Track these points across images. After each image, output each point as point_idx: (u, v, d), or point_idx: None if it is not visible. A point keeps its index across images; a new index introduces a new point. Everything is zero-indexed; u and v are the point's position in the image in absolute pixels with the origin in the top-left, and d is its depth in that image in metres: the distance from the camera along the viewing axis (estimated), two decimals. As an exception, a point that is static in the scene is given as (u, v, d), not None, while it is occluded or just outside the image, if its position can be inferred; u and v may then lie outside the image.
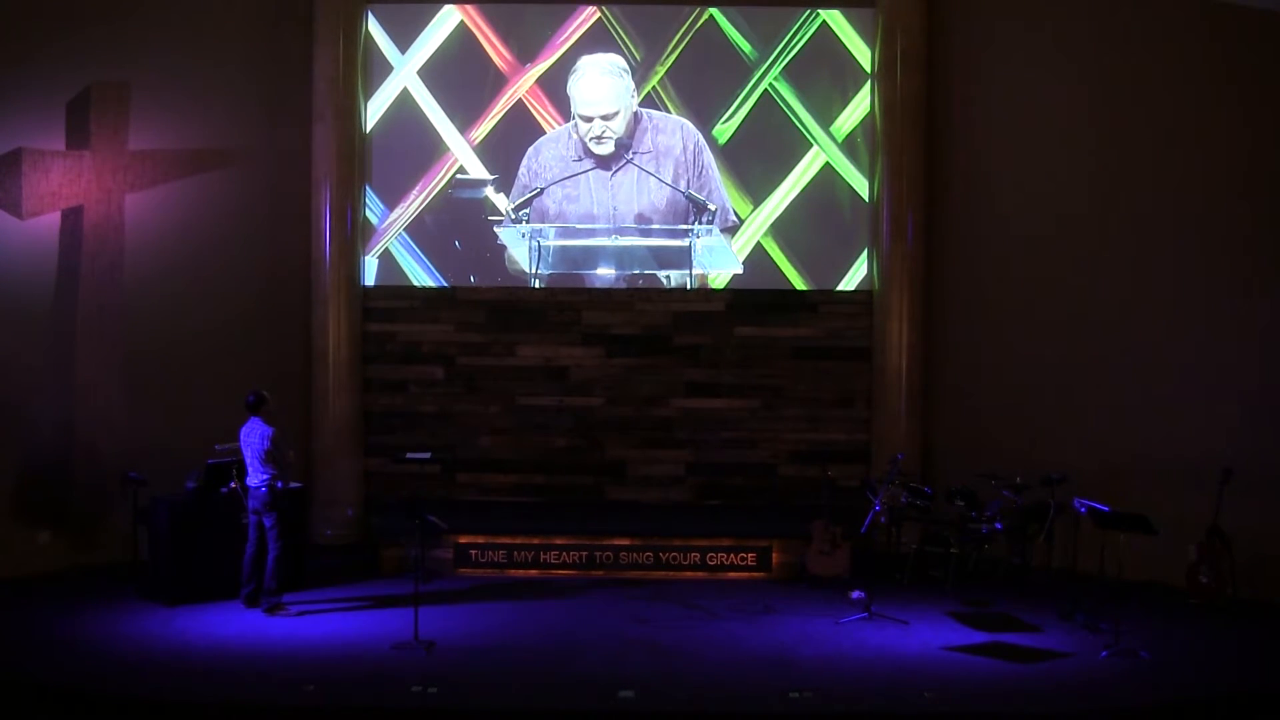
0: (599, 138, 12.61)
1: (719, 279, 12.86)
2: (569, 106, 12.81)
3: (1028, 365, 12.05)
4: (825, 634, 9.66)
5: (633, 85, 12.69)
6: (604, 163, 12.68)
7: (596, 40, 12.83)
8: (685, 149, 12.68)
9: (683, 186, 12.59)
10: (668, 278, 12.73)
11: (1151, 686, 8.53)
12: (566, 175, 12.65)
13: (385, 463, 12.71)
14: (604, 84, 12.64)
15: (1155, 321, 11.34)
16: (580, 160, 12.68)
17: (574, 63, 12.78)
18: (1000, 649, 9.27)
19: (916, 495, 11.30)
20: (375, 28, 12.88)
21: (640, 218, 12.66)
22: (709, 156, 12.72)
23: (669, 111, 12.82)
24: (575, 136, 12.74)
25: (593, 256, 12.73)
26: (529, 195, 12.71)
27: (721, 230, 12.64)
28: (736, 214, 12.79)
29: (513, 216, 12.66)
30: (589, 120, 12.61)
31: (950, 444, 12.50)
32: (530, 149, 12.78)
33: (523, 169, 12.79)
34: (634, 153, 12.63)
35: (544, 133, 12.85)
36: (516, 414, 12.92)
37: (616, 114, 12.60)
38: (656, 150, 12.70)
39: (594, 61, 12.69)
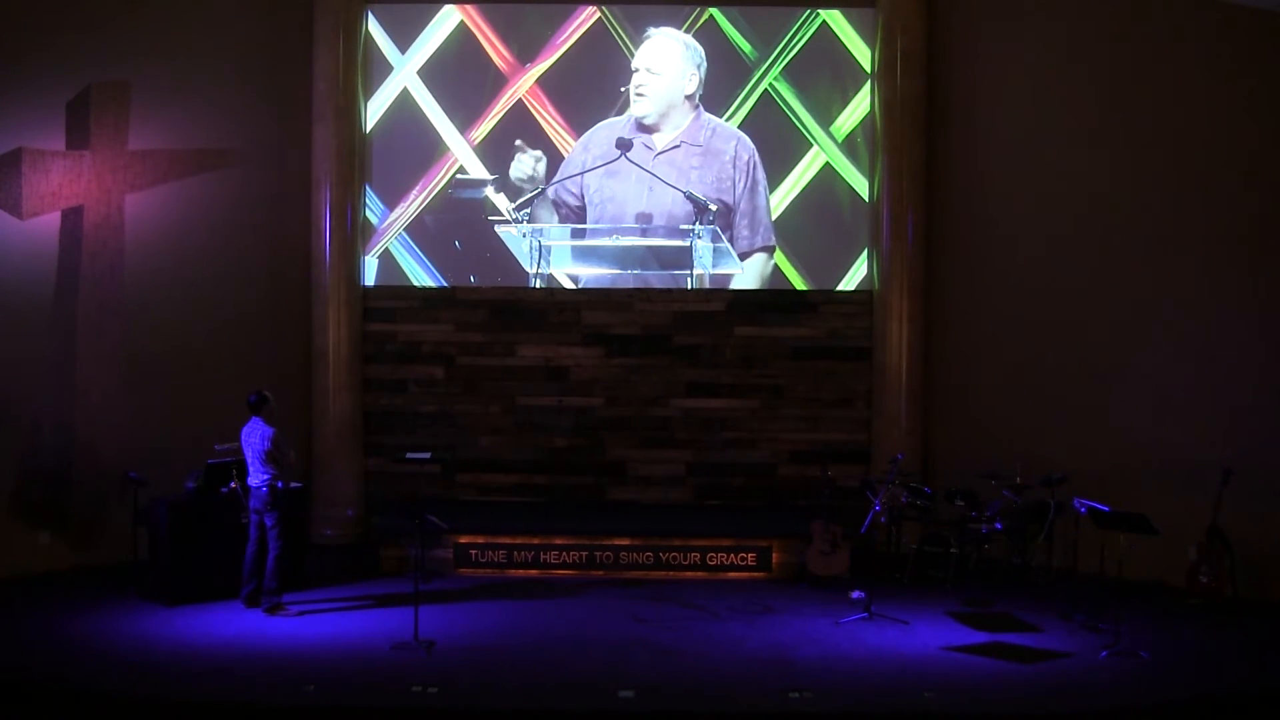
0: (638, 89, 12.66)
1: (743, 279, 12.82)
2: (569, 106, 12.82)
3: (1028, 365, 12.05)
4: (825, 634, 9.66)
5: (694, 70, 12.69)
6: (646, 131, 12.67)
7: (596, 40, 12.84)
8: (737, 158, 12.68)
9: (724, 193, 12.61)
10: (694, 278, 12.75)
11: (1151, 686, 8.53)
12: (604, 162, 12.68)
13: (385, 463, 12.71)
14: (665, 45, 12.76)
15: (1156, 321, 11.33)
16: (623, 141, 12.71)
17: (574, 63, 12.82)
18: (1000, 649, 9.27)
19: (916, 495, 11.31)
20: (375, 28, 12.89)
21: (640, 215, 12.65)
22: (762, 175, 12.72)
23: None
24: (627, 119, 12.76)
25: (593, 256, 12.76)
26: (529, 195, 12.73)
27: (761, 250, 12.70)
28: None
29: (514, 216, 12.69)
30: (637, 71, 12.68)
31: (950, 444, 12.50)
32: (591, 129, 12.78)
33: (575, 148, 12.79)
34: (682, 140, 12.65)
35: (544, 133, 12.85)
36: (516, 414, 12.93)
37: (660, 75, 12.65)
38: (707, 148, 12.71)
39: (672, 30, 12.78)
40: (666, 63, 12.71)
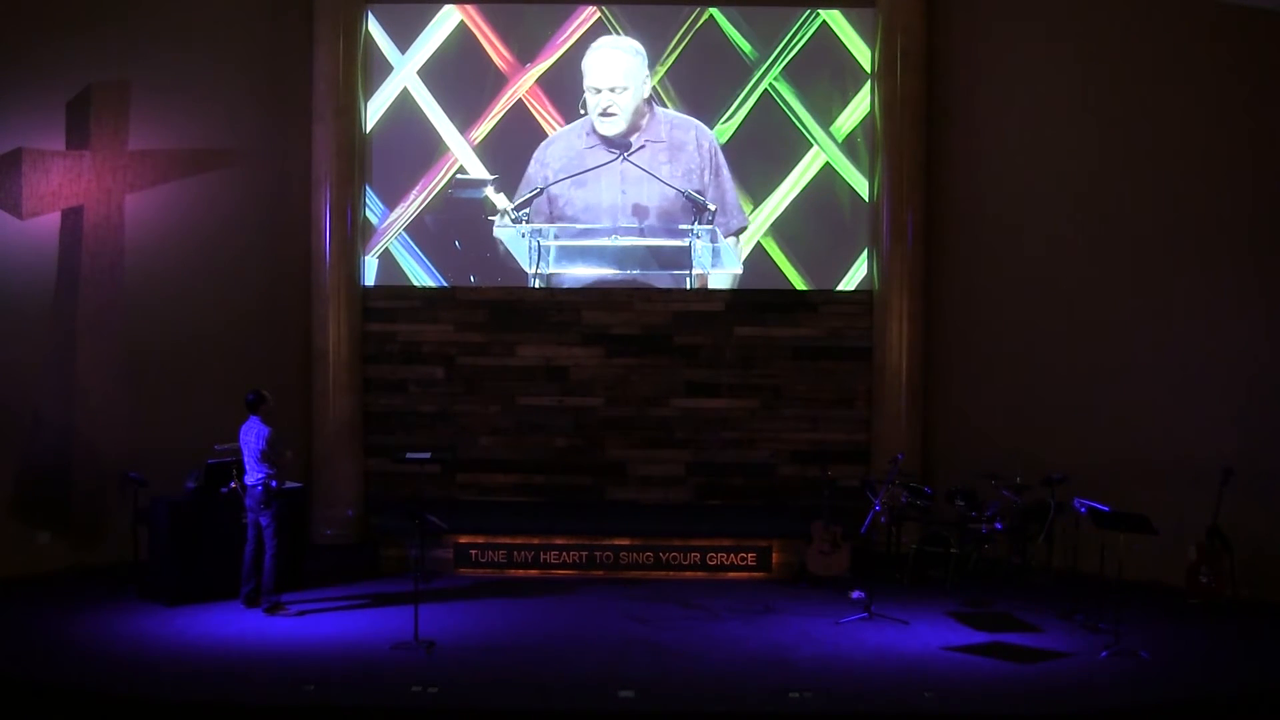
0: (605, 110, 12.64)
1: (720, 277, 12.84)
2: (569, 106, 12.83)
3: (1028, 365, 12.05)
4: (825, 634, 9.65)
5: (647, 72, 12.71)
6: (612, 145, 12.66)
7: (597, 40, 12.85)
8: (700, 147, 12.70)
9: (694, 183, 12.63)
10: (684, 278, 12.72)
11: (1151, 686, 8.53)
12: (579, 170, 12.65)
13: (385, 463, 12.71)
14: (616, 58, 12.73)
15: (1155, 321, 11.33)
16: (591, 149, 12.69)
17: (574, 63, 12.81)
18: (1000, 649, 9.27)
19: (916, 495, 11.31)
20: (375, 27, 12.89)
21: (638, 210, 12.64)
22: (724, 159, 12.72)
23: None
24: (583, 127, 12.73)
25: (593, 256, 12.76)
26: (529, 195, 12.73)
27: (734, 234, 12.70)
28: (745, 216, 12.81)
29: (513, 217, 12.68)
30: (598, 92, 12.65)
31: (950, 444, 12.50)
32: (541, 144, 12.79)
33: (533, 164, 12.79)
34: (646, 140, 12.65)
35: (544, 133, 12.86)
36: (516, 414, 12.93)
37: (625, 90, 12.63)
38: (670, 142, 12.71)
39: (611, 39, 12.78)
40: (627, 77, 12.68)
